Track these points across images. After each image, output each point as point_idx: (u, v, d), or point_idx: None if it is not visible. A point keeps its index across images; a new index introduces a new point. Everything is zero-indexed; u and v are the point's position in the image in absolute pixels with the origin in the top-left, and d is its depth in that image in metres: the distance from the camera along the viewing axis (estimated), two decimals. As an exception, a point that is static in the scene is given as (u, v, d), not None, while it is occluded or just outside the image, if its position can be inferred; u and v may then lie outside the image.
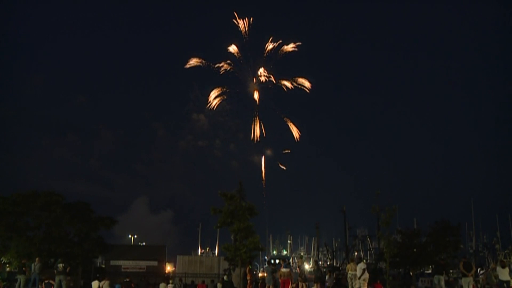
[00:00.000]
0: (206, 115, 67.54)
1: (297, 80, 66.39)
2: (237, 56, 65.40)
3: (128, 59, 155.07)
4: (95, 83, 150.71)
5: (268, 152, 71.03)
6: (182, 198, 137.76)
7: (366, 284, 18.20)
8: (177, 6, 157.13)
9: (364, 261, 21.32)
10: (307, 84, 66.27)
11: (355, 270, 20.20)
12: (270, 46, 65.59)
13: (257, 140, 66.52)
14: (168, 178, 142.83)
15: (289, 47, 66.32)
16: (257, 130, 66.64)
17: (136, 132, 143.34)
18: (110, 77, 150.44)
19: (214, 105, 66.57)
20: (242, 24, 64.98)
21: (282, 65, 71.91)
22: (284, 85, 67.06)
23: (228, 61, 65.64)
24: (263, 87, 68.57)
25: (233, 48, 64.81)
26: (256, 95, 67.35)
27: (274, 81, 66.95)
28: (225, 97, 66.94)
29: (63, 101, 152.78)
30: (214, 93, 66.34)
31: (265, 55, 66.58)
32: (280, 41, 66.16)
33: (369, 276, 20.14)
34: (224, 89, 66.72)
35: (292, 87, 66.65)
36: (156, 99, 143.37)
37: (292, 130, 67.45)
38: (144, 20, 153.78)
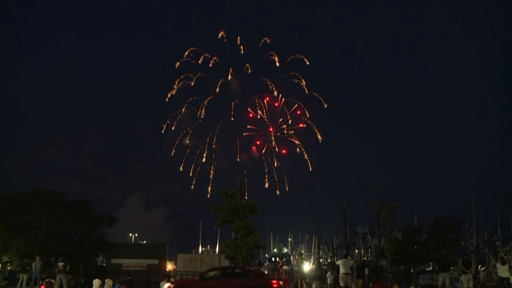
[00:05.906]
0: (192, 115, 67.36)
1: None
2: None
3: (116, 59, 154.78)
4: (83, 83, 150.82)
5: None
6: (174, 196, 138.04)
7: (346, 281, 17.70)
8: (173, 7, 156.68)
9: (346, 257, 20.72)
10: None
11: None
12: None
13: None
14: (159, 176, 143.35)
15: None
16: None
17: (124, 131, 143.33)
18: (98, 77, 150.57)
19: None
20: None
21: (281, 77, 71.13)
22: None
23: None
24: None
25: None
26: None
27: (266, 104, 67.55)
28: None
29: (53, 101, 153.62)
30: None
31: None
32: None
33: (368, 273, 19.93)
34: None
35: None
36: (142, 98, 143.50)
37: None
38: (133, 21, 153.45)
